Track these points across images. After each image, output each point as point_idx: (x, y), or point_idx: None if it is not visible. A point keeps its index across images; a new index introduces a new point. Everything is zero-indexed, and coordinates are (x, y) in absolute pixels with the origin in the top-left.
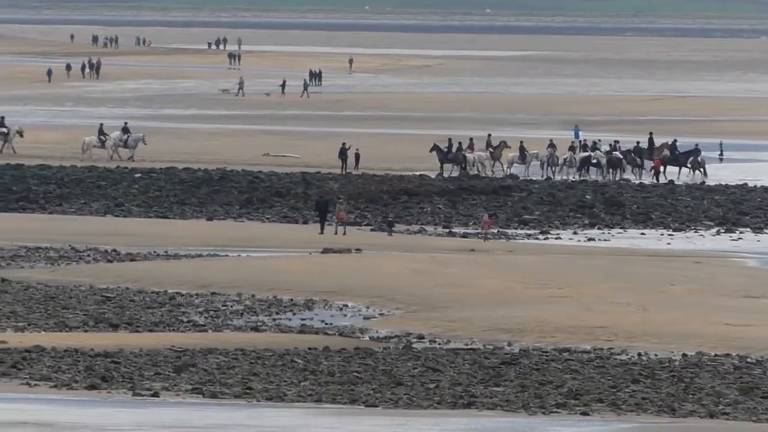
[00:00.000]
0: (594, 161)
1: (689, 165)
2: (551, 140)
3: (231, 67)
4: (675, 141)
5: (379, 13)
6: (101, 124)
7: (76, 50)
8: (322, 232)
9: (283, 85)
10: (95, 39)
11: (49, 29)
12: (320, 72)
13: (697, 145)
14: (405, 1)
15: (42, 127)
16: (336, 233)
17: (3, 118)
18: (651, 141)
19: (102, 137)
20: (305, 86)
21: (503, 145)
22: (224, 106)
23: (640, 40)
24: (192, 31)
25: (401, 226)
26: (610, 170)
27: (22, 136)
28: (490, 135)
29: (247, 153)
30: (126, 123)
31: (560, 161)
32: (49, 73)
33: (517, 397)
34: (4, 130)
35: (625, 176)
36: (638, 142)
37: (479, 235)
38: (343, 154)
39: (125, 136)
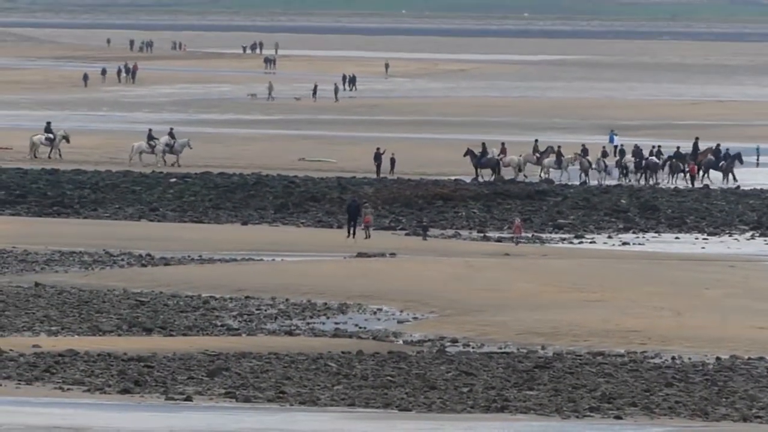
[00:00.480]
0: (628, 164)
1: (722, 169)
2: (583, 145)
3: (267, 72)
4: (718, 145)
5: (416, 17)
6: (150, 129)
7: (112, 55)
8: (353, 237)
9: (314, 90)
10: (132, 43)
11: (85, 34)
12: (354, 77)
13: (728, 149)
14: (442, 5)
15: (78, 131)
16: (366, 237)
17: (49, 123)
18: (695, 146)
19: (152, 142)
20: (335, 91)
21: (550, 150)
22: (260, 110)
23: (677, 44)
24: (228, 36)
25: (436, 231)
26: (640, 174)
27: (68, 141)
28: (536, 141)
29: (283, 158)
30: (172, 129)
31: (589, 166)
32: (86, 77)
33: (551, 401)
34: (50, 135)
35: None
36: (678, 147)
37: (512, 240)
38: (377, 158)
39: (172, 141)
